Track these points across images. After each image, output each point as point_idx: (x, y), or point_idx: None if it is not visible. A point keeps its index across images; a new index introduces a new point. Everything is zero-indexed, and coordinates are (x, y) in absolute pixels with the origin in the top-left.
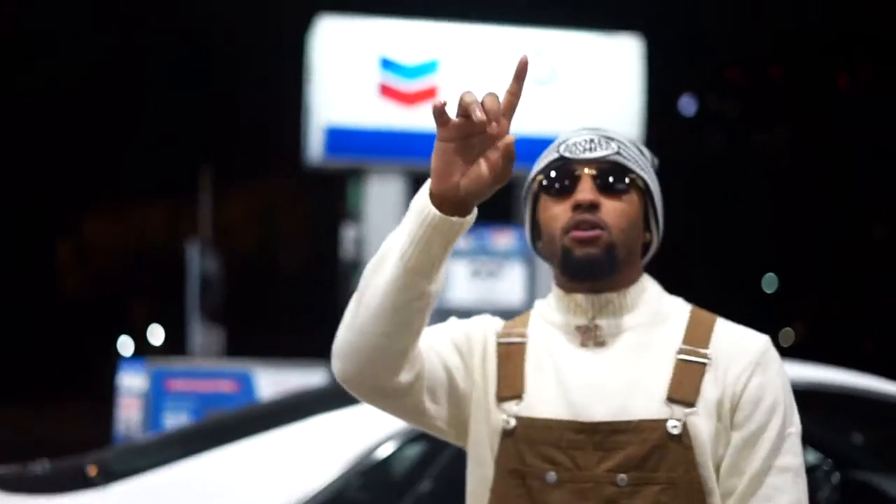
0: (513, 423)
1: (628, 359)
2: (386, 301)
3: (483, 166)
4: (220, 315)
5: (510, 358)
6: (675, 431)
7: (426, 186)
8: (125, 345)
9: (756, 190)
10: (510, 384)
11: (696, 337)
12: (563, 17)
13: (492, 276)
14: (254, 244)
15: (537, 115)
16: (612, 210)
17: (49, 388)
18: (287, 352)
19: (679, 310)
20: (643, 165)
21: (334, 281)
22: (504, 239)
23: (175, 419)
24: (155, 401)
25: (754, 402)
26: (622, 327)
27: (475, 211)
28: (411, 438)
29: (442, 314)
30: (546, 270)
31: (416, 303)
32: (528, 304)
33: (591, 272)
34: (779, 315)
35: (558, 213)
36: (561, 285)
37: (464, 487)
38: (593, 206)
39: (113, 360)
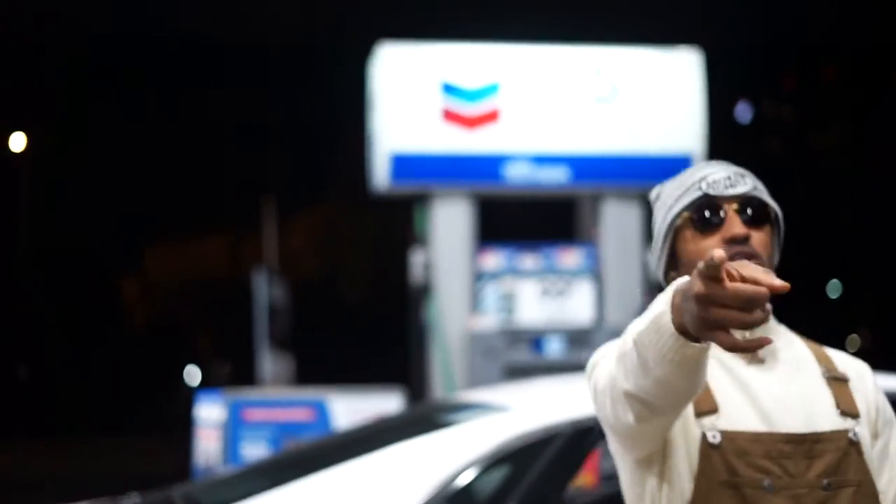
0: (718, 437)
1: (790, 376)
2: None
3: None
4: (288, 343)
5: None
6: (855, 439)
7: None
8: (192, 375)
9: (818, 194)
10: (705, 399)
11: (823, 358)
12: (621, 34)
13: (561, 294)
14: (319, 271)
15: (600, 132)
16: (759, 241)
17: (120, 420)
18: (357, 378)
19: (790, 333)
20: (772, 199)
21: (402, 306)
22: (571, 257)
23: (253, 449)
24: (233, 431)
25: (885, 414)
26: (772, 348)
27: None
28: (492, 463)
29: (512, 335)
30: (614, 290)
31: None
32: (598, 322)
33: None
34: (844, 321)
35: (709, 246)
36: None
37: None
38: (746, 239)
39: (181, 392)
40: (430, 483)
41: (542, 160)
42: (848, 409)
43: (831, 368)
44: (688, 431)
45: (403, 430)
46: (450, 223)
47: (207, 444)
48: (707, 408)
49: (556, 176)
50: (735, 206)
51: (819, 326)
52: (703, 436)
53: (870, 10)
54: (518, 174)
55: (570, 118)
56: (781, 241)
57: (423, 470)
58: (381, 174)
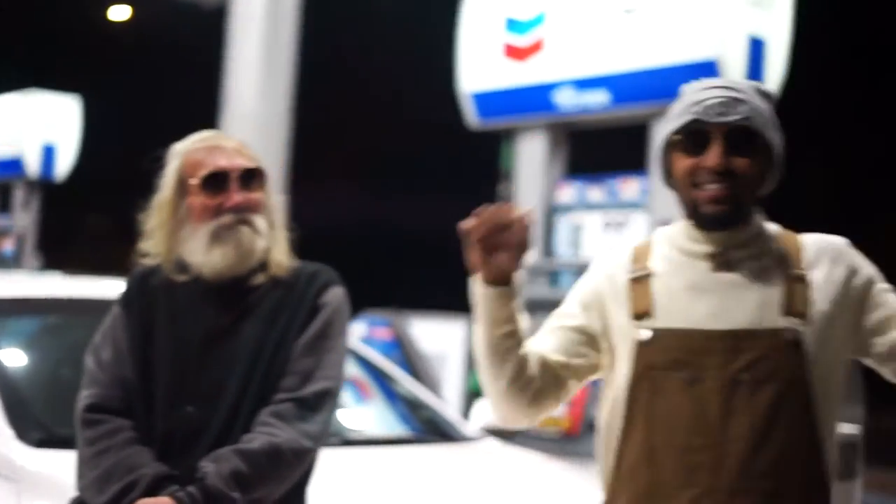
0: (649, 334)
1: (751, 280)
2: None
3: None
4: None
5: (640, 285)
6: (792, 338)
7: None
8: None
9: None
10: (641, 303)
11: (793, 256)
12: None
13: (620, 227)
14: None
15: (632, 48)
16: (740, 167)
17: None
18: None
19: (777, 235)
20: (768, 122)
21: None
22: (631, 188)
23: None
24: None
25: (868, 281)
26: (744, 255)
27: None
28: None
29: (580, 270)
30: (663, 221)
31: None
32: None
33: (718, 226)
34: None
35: (690, 168)
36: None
37: None
38: (725, 170)
39: None
40: None
41: (583, 84)
42: (795, 310)
43: (795, 267)
44: (627, 335)
45: None
46: (528, 156)
47: None
48: (643, 310)
49: (599, 99)
50: (722, 133)
51: None
52: (640, 335)
53: None
54: (565, 101)
55: (605, 38)
56: (780, 168)
57: None
58: (468, 113)
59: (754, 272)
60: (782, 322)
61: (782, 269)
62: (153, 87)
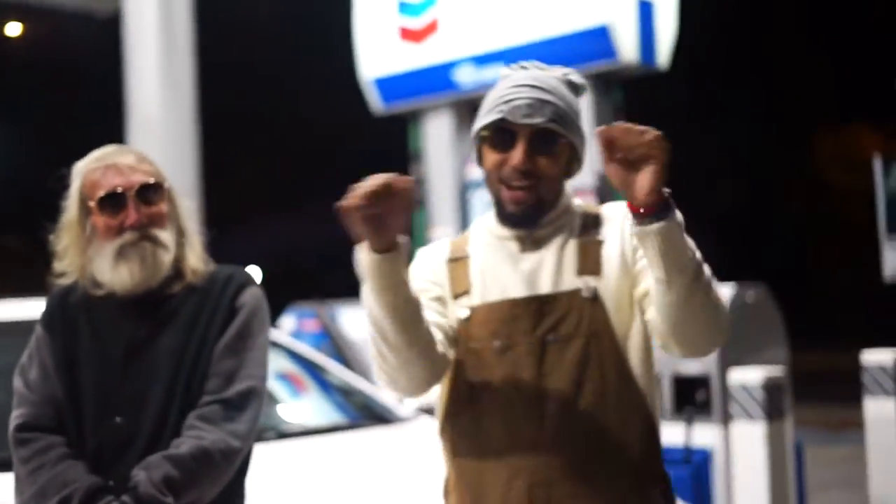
0: (467, 312)
1: (554, 252)
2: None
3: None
4: None
5: (458, 268)
6: (589, 295)
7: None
8: None
9: None
10: (459, 283)
11: (592, 225)
12: None
13: None
14: None
15: (528, 20)
16: (542, 167)
17: None
18: None
19: (582, 209)
20: (573, 120)
21: None
22: None
23: None
24: None
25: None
26: (549, 231)
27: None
28: None
29: None
30: None
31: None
32: None
33: (521, 224)
34: None
35: (497, 164)
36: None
37: None
38: (527, 171)
39: None
40: None
41: (481, 60)
42: (589, 269)
43: (591, 232)
44: (453, 314)
45: None
46: (436, 136)
47: None
48: (461, 290)
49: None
50: (527, 134)
51: None
52: (460, 313)
53: None
54: (465, 79)
55: (499, 12)
56: (581, 163)
57: None
58: (371, 99)
59: (558, 244)
60: (579, 282)
61: (582, 237)
62: (57, 101)
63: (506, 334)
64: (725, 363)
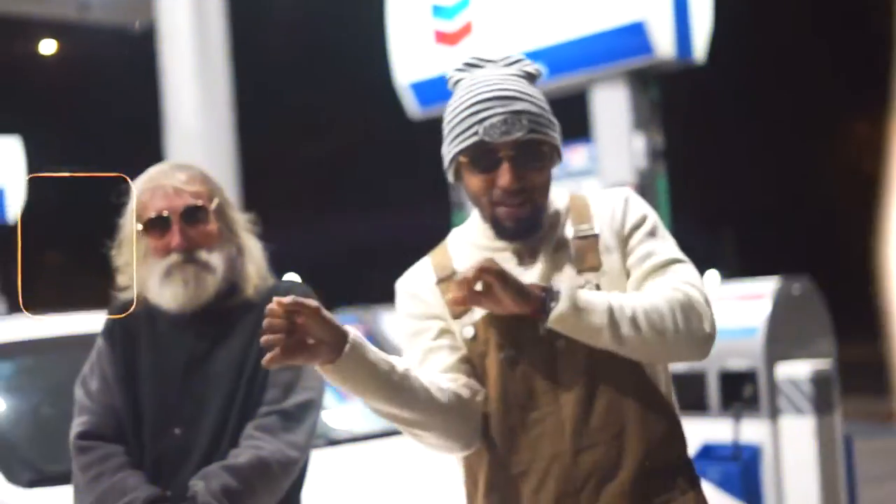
0: (472, 330)
1: (550, 253)
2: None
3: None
4: None
5: (451, 288)
6: (592, 290)
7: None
8: None
9: None
10: (458, 305)
11: (582, 218)
12: None
13: None
14: None
15: (553, 18)
16: (533, 179)
17: None
18: None
19: (568, 203)
20: (547, 118)
21: None
22: (579, 157)
23: None
24: None
25: (632, 227)
26: (543, 233)
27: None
28: None
29: None
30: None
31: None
32: None
33: (521, 235)
34: None
35: (485, 187)
36: None
37: None
38: (517, 189)
39: None
40: None
41: None
42: (588, 265)
43: (583, 228)
44: (458, 335)
45: None
46: None
47: None
48: (461, 310)
49: None
50: (511, 152)
51: None
52: (465, 332)
53: None
54: None
55: (533, 12)
56: (561, 154)
57: None
58: (409, 104)
59: (552, 244)
60: (580, 280)
61: (576, 234)
62: (94, 115)
63: (514, 345)
64: (772, 357)
